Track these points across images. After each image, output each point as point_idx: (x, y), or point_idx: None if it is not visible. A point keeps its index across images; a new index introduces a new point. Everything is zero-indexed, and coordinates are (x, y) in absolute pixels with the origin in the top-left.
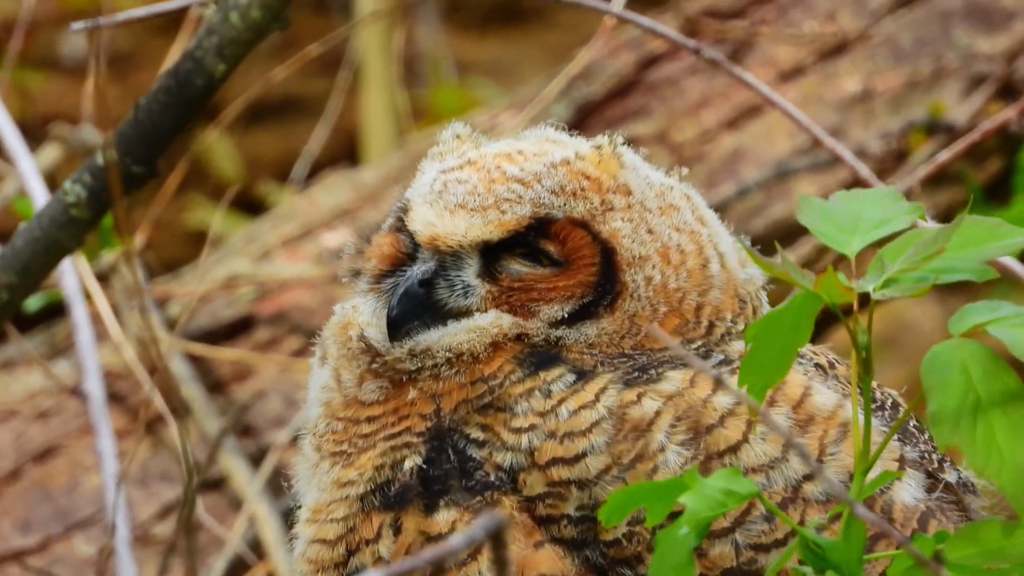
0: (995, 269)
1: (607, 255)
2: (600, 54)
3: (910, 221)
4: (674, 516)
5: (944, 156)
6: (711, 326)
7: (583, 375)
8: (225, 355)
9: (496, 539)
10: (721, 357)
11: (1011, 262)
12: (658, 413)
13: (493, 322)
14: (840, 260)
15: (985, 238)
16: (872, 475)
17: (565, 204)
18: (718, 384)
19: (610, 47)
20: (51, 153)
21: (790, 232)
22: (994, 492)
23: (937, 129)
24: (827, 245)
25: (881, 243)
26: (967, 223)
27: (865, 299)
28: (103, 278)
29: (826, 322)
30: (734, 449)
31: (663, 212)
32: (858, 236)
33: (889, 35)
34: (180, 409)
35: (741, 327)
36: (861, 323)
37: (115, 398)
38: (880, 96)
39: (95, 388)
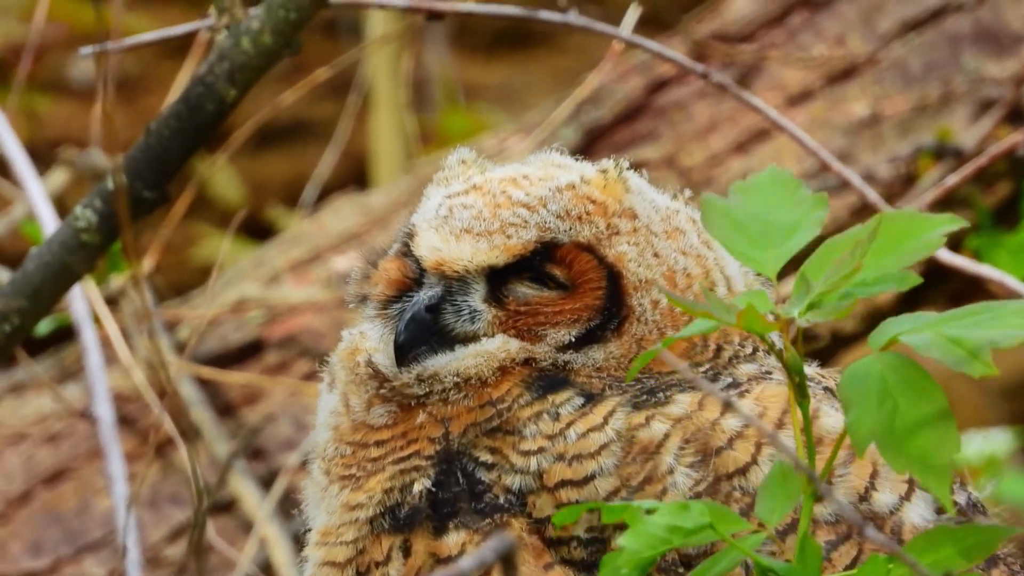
0: (916, 274)
1: (613, 279)
2: (608, 78)
3: (818, 222)
4: None
5: (952, 180)
6: (719, 349)
7: (591, 398)
8: (234, 378)
9: (506, 561)
10: (729, 380)
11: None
12: (667, 435)
13: (500, 347)
14: None
15: (903, 235)
16: (883, 495)
17: (571, 228)
18: (726, 407)
19: (618, 71)
20: (59, 177)
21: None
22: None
23: (945, 153)
24: (747, 266)
25: (797, 257)
26: (885, 221)
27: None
28: (112, 302)
29: (835, 347)
30: (743, 471)
31: (669, 236)
32: (771, 250)
33: (898, 59)
34: (190, 432)
35: (749, 350)
36: (790, 348)
37: (125, 421)
38: (888, 120)
39: (105, 411)
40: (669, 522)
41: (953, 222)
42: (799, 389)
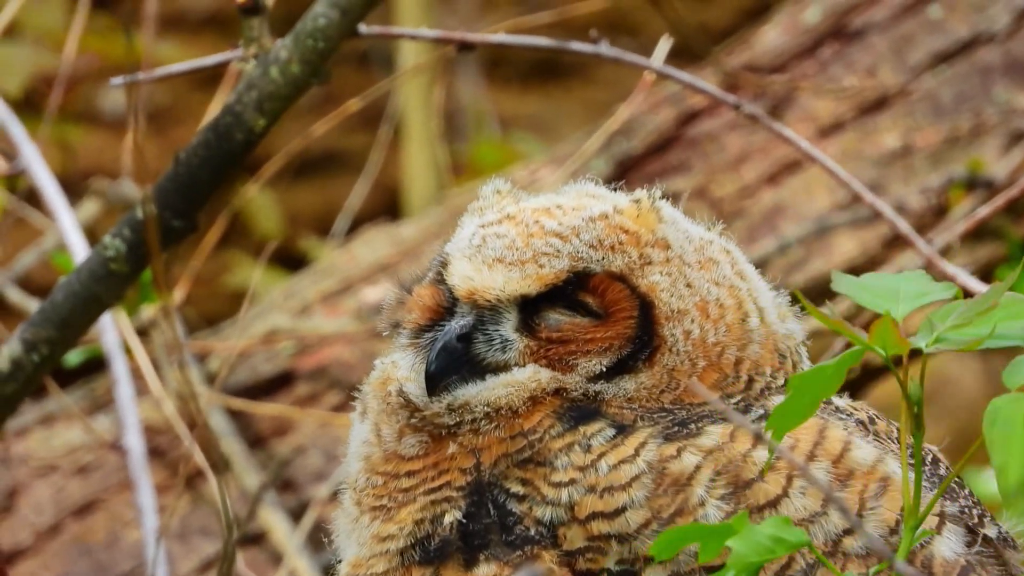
0: None
1: (645, 309)
2: (640, 109)
3: (948, 293)
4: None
5: (984, 212)
6: (750, 380)
7: (623, 429)
8: (265, 410)
9: None
10: (761, 412)
11: None
12: (698, 467)
13: (531, 377)
14: (873, 320)
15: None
16: None
17: (603, 258)
18: (758, 439)
19: (650, 102)
20: (91, 208)
21: (829, 288)
22: None
23: (977, 185)
24: (871, 309)
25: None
26: (1008, 299)
27: (914, 356)
28: (143, 333)
29: (865, 379)
30: (774, 503)
31: (702, 266)
32: (900, 304)
33: (929, 91)
34: (220, 464)
35: (781, 382)
36: (913, 377)
37: (155, 453)
38: (920, 152)
39: (135, 443)
40: (774, 533)
41: None
42: (916, 420)
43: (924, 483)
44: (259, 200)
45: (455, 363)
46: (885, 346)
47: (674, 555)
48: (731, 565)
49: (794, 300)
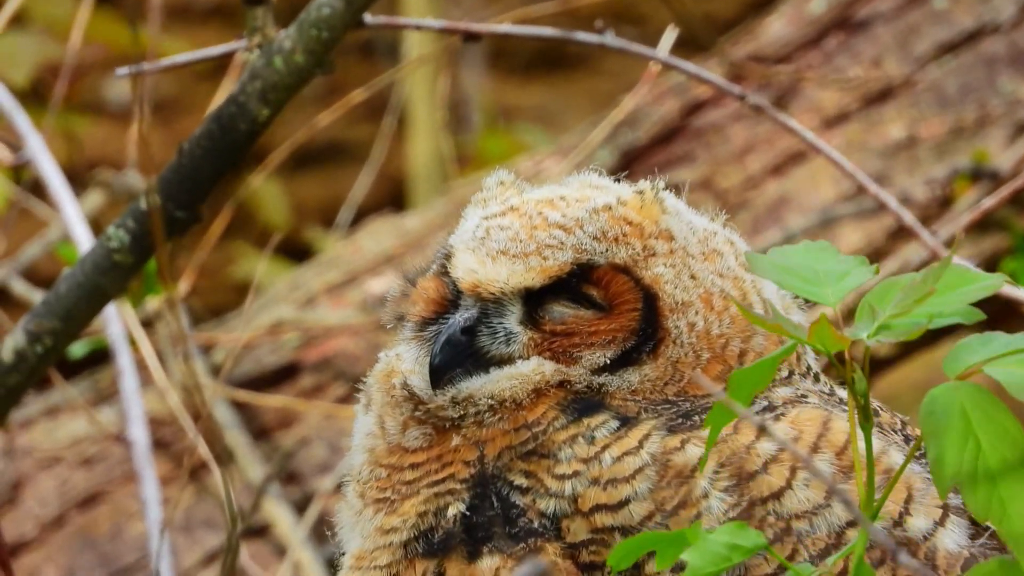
0: (981, 311)
1: (650, 301)
2: (645, 100)
3: (868, 273)
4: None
5: (989, 203)
6: None
7: (626, 422)
8: (269, 402)
9: None
10: (765, 403)
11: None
12: (701, 460)
13: (535, 369)
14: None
15: (963, 282)
16: (917, 520)
17: (607, 250)
18: (761, 431)
19: (655, 93)
20: (95, 198)
21: None
22: None
23: (982, 176)
24: (804, 297)
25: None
26: (947, 270)
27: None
28: (148, 324)
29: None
30: (777, 495)
31: (706, 258)
32: (828, 287)
33: (934, 81)
34: (224, 456)
35: (785, 374)
36: (858, 370)
37: (159, 445)
38: (924, 143)
39: (139, 435)
40: (729, 540)
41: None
42: (863, 412)
43: (924, 472)
44: (264, 191)
45: (459, 356)
46: (824, 344)
47: (630, 565)
48: None
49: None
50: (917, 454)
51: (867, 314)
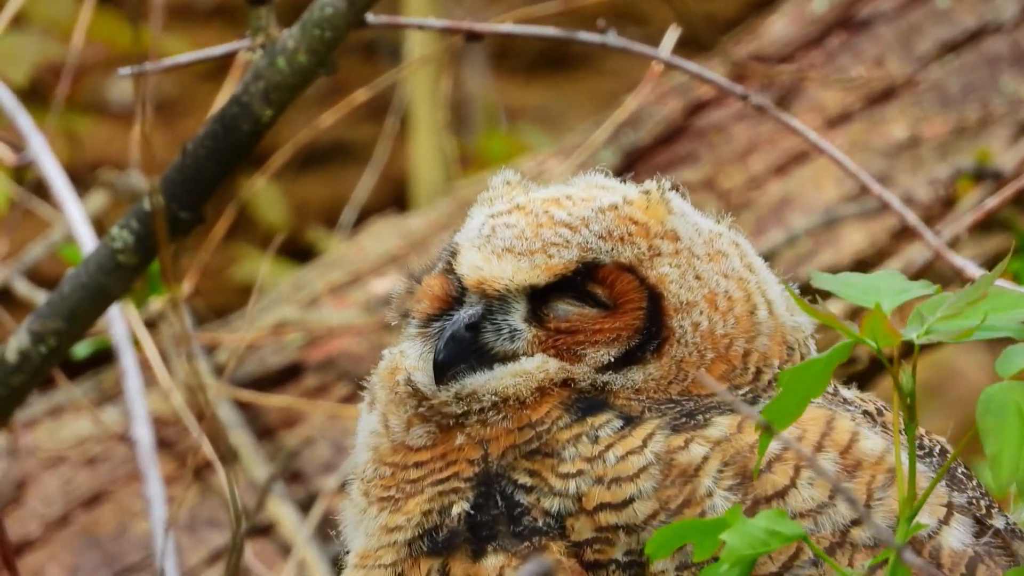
0: None
1: (654, 300)
2: (647, 100)
3: (928, 290)
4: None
5: (992, 203)
6: (758, 372)
7: (630, 421)
8: (273, 402)
9: None
10: (768, 402)
11: None
12: (705, 459)
13: (539, 366)
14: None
15: (1014, 305)
16: (921, 520)
17: (612, 249)
18: (765, 430)
19: (657, 93)
20: (99, 199)
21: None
22: None
23: (984, 176)
24: (858, 304)
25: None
26: (996, 291)
27: (908, 349)
28: (151, 325)
29: (874, 371)
30: (781, 494)
31: (711, 258)
32: (885, 299)
33: (936, 81)
34: (228, 455)
35: None
36: (905, 369)
37: (163, 444)
38: (927, 142)
39: (143, 434)
40: (768, 526)
41: None
42: (909, 412)
43: (930, 473)
44: (264, 192)
45: (463, 352)
46: (876, 338)
47: (671, 553)
48: (724, 559)
49: (802, 292)
50: (920, 453)
51: (917, 319)
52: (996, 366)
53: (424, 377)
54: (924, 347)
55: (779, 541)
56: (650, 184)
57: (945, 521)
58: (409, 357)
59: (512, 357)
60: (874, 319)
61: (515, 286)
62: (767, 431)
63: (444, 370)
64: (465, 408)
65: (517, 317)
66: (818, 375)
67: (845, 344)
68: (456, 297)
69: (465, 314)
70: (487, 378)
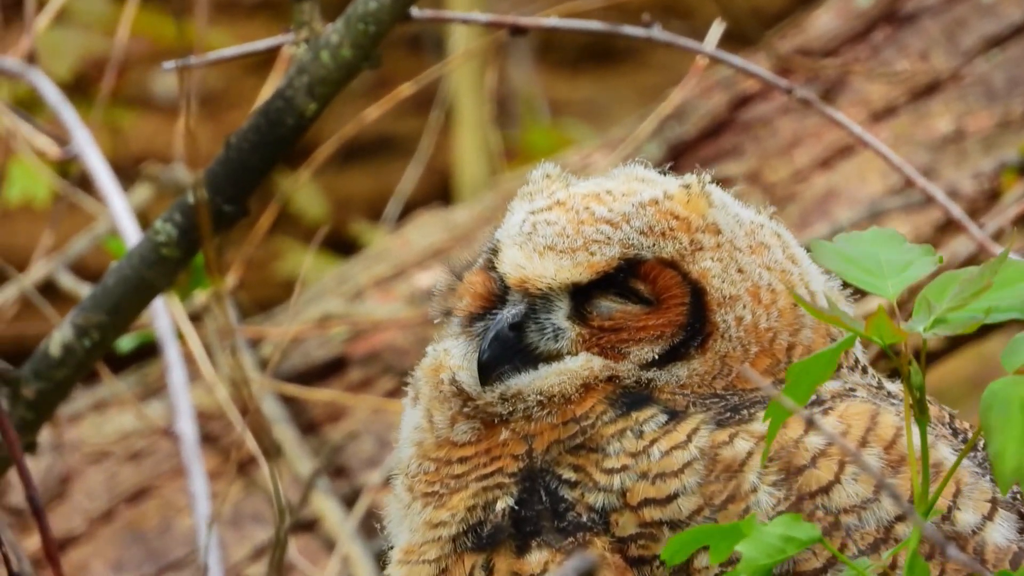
0: None
1: (697, 295)
2: (692, 94)
3: (932, 264)
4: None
5: None
6: None
7: (675, 416)
8: (318, 396)
9: None
10: (813, 397)
11: None
12: (750, 454)
13: (584, 365)
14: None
15: (1020, 278)
16: (966, 515)
17: (654, 245)
18: (810, 425)
19: (702, 87)
20: (143, 192)
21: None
22: None
23: None
24: (863, 289)
25: (915, 287)
26: (1004, 266)
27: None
28: (196, 318)
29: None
30: (826, 490)
31: (753, 251)
32: (889, 280)
33: (981, 75)
34: (272, 450)
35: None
36: (914, 363)
37: (208, 439)
38: (972, 136)
39: (188, 429)
40: (784, 532)
41: None
42: (919, 406)
43: (975, 468)
44: (308, 186)
45: (508, 352)
46: (882, 337)
47: (685, 559)
48: (741, 569)
49: (845, 284)
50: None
51: (923, 307)
52: (1002, 358)
53: (469, 377)
54: (968, 338)
55: (795, 547)
56: (690, 177)
57: (989, 517)
58: (453, 356)
59: (556, 356)
60: (878, 318)
61: (558, 284)
62: (815, 426)
63: (489, 371)
64: (511, 408)
65: (560, 315)
66: (823, 367)
67: (848, 339)
68: (498, 295)
69: (508, 313)
70: (532, 378)
